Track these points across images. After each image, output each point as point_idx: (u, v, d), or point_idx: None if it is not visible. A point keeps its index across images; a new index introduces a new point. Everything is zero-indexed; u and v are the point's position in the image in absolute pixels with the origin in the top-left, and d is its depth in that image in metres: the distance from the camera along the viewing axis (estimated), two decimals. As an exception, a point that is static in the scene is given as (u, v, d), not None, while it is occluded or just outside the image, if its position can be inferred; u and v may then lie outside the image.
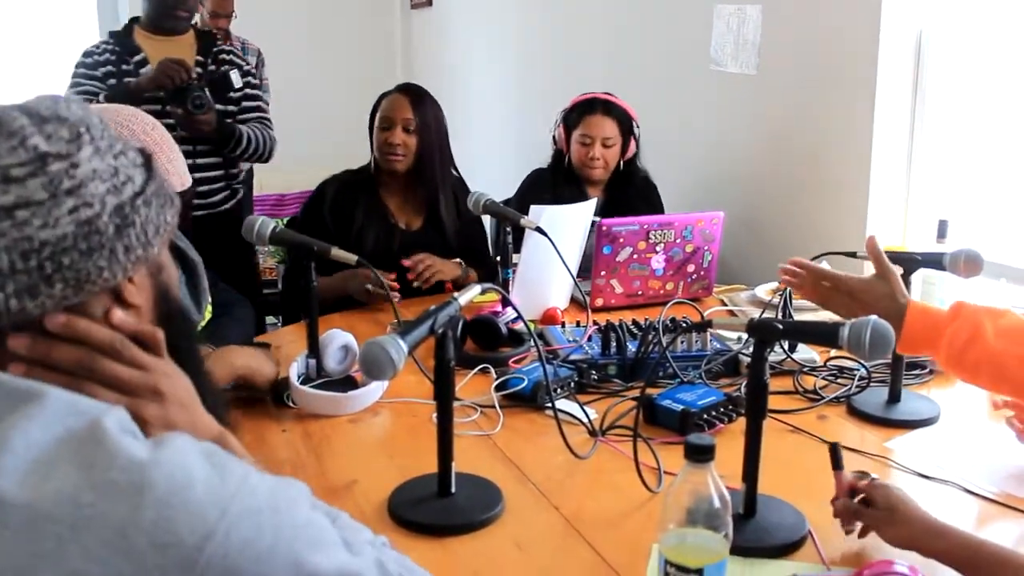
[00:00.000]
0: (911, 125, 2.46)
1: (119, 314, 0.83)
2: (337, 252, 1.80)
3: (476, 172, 3.73)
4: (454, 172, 2.70)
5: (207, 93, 2.74)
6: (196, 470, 0.72)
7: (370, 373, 1.22)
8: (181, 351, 0.91)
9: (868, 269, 2.46)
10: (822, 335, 1.24)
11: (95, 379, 0.82)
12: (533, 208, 2.21)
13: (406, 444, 1.65)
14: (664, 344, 1.84)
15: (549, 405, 1.75)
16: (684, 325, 1.81)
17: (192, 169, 1.94)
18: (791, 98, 2.71)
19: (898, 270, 1.69)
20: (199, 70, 2.86)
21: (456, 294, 1.37)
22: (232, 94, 2.92)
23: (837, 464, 1.29)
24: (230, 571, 0.69)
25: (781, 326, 1.22)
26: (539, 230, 2.12)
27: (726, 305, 2.42)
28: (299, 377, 1.77)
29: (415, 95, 2.60)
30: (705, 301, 2.46)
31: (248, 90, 2.99)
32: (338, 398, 1.74)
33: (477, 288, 1.44)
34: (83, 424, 0.73)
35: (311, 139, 3.86)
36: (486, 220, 3.14)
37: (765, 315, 2.07)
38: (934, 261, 1.65)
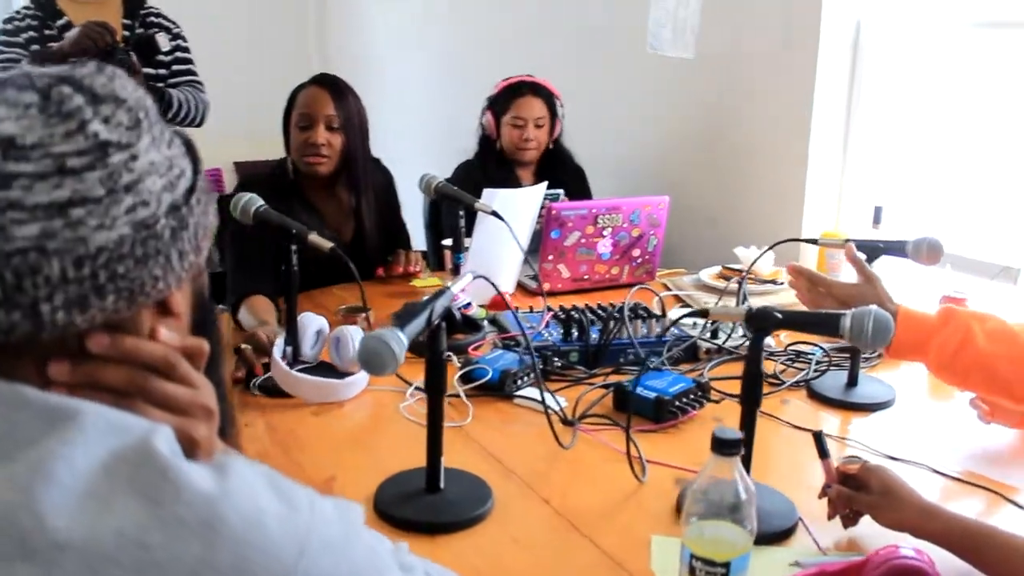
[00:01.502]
0: (847, 113, 2.53)
1: (165, 330, 0.74)
2: (314, 238, 1.73)
3: (397, 161, 3.65)
4: (372, 161, 2.58)
5: (132, 56, 2.62)
6: (265, 502, 0.65)
7: (371, 368, 1.17)
8: (212, 361, 0.82)
9: (804, 256, 2.54)
10: (823, 324, 1.25)
11: (146, 399, 0.72)
12: (486, 192, 2.17)
13: (378, 437, 1.61)
14: (630, 331, 1.84)
15: (519, 394, 1.74)
16: (646, 313, 1.80)
17: None
18: (729, 84, 2.75)
19: (861, 256, 1.74)
20: (126, 33, 2.73)
21: (449, 283, 1.33)
22: (161, 57, 2.80)
23: (824, 452, 1.30)
24: None
25: (780, 315, 1.22)
26: (495, 214, 2.08)
27: (670, 289, 2.44)
28: (286, 363, 1.71)
29: (336, 88, 2.40)
30: (649, 285, 2.48)
31: (178, 53, 2.88)
32: (335, 384, 1.69)
33: (468, 276, 1.40)
34: (131, 445, 0.65)
35: (216, 116, 3.70)
36: (418, 204, 3.10)
37: (720, 301, 2.10)
38: (897, 248, 1.69)
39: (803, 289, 1.60)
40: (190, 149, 0.77)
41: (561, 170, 2.89)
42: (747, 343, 1.92)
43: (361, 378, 1.74)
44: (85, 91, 0.69)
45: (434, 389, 1.30)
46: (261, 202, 1.81)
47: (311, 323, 1.78)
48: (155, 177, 0.70)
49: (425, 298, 1.28)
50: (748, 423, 1.27)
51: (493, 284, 1.50)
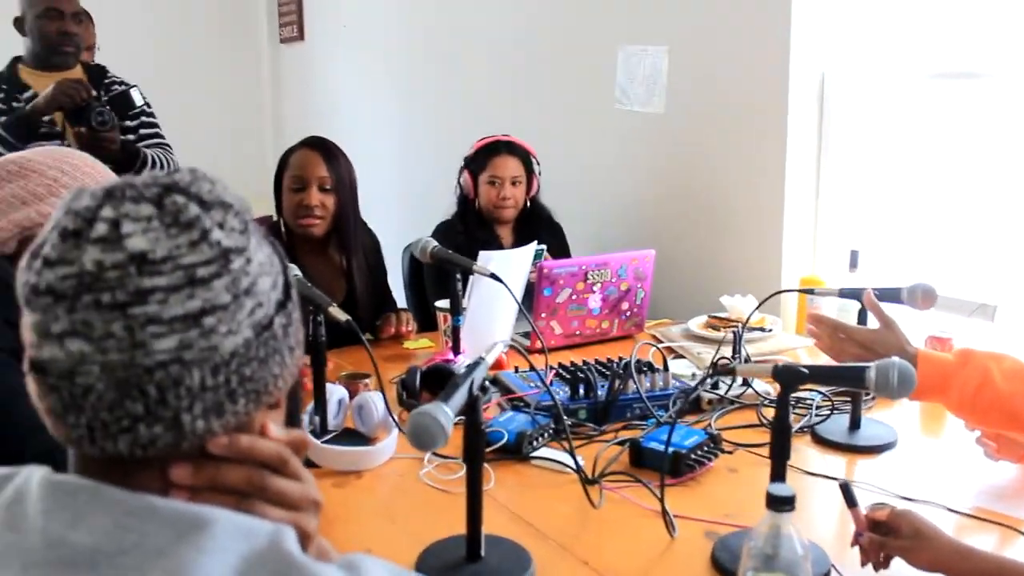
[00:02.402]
0: (817, 162, 2.63)
1: (273, 426, 0.75)
2: (333, 310, 1.75)
3: (372, 221, 3.67)
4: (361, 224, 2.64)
5: (109, 110, 2.66)
6: None
7: (421, 443, 1.19)
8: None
9: (785, 302, 2.62)
10: (848, 378, 1.30)
11: (264, 498, 0.73)
12: (482, 254, 2.21)
13: (404, 506, 1.61)
14: (637, 386, 1.88)
15: (537, 455, 1.76)
16: (649, 367, 1.85)
17: None
18: (700, 137, 2.84)
19: (855, 304, 1.81)
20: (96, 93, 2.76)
21: (483, 354, 1.36)
22: (133, 111, 2.84)
23: (852, 501, 1.33)
24: None
25: (807, 371, 1.27)
26: (494, 276, 2.12)
27: (661, 341, 2.49)
28: (313, 434, 1.74)
29: (327, 150, 2.48)
30: (638, 336, 2.53)
31: (144, 117, 2.93)
32: (367, 452, 1.72)
33: (500, 346, 1.43)
34: (261, 550, 0.66)
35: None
36: (398, 264, 3.13)
37: (710, 352, 2.16)
38: (891, 296, 1.77)
39: (824, 337, 1.64)
40: (273, 243, 0.78)
41: (539, 226, 2.94)
42: (747, 391, 2.00)
43: (389, 444, 1.76)
44: (194, 198, 0.70)
45: (474, 457, 1.32)
46: (297, 270, 1.84)
47: (333, 393, 1.81)
48: (265, 277, 0.72)
49: (463, 369, 1.31)
50: (777, 476, 1.31)
51: (522, 352, 1.54)
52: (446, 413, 1.20)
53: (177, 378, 0.66)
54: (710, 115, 2.78)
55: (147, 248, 0.66)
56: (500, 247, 2.79)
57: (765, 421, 1.90)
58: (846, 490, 1.34)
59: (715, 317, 2.47)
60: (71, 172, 1.49)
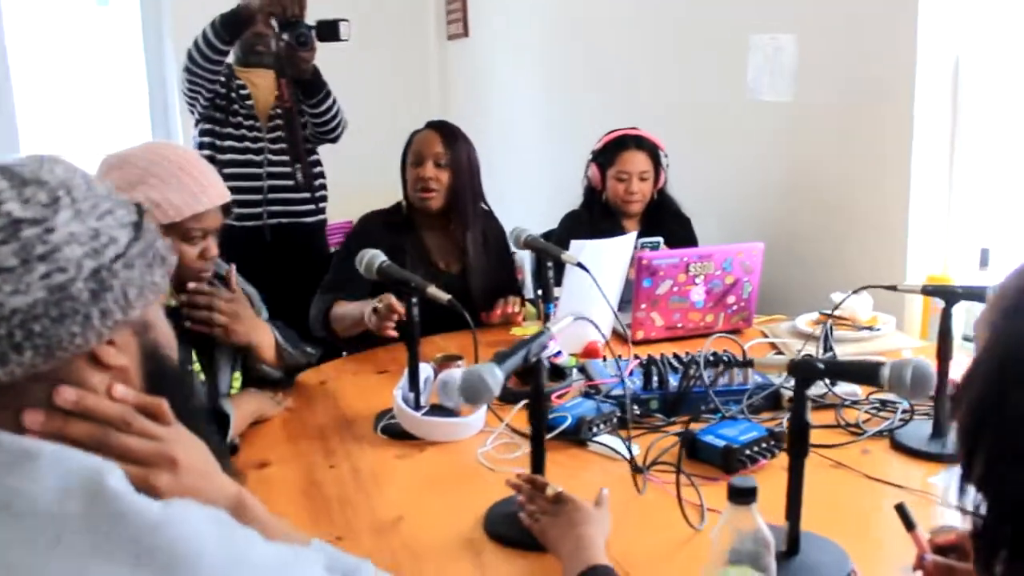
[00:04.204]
0: (950, 153, 2.46)
1: (120, 388, 0.84)
2: (432, 290, 1.88)
3: (510, 206, 3.78)
4: (484, 206, 2.74)
5: (312, 33, 2.91)
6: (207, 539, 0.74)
7: (469, 398, 1.30)
8: (178, 411, 0.90)
9: (909, 301, 2.47)
10: (863, 374, 1.25)
11: (109, 452, 0.81)
12: (574, 243, 2.24)
13: (452, 481, 1.68)
14: (707, 379, 1.85)
15: (595, 440, 1.79)
16: (725, 361, 1.82)
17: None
18: (828, 125, 2.72)
19: (940, 303, 1.70)
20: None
21: (549, 324, 1.42)
22: (337, 42, 2.98)
23: (910, 524, 1.25)
24: None
25: (822, 365, 1.23)
26: (580, 265, 2.14)
27: (767, 336, 2.42)
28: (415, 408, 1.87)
29: (446, 131, 2.64)
30: (746, 332, 2.48)
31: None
32: (456, 423, 1.85)
33: (569, 318, 1.50)
34: (81, 479, 0.75)
35: (345, 170, 3.90)
36: (526, 255, 3.20)
37: (806, 349, 2.08)
38: (976, 295, 1.65)
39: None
40: (139, 219, 0.87)
41: (667, 219, 2.92)
42: (831, 392, 1.92)
43: (477, 419, 1.87)
44: (13, 177, 0.80)
45: (537, 421, 1.42)
46: (384, 258, 2.00)
47: (421, 370, 1.92)
48: (75, 246, 0.79)
49: (526, 337, 1.39)
50: (794, 472, 1.28)
51: (594, 324, 1.59)
52: (495, 373, 1.28)
53: None
54: (838, 103, 2.66)
55: None
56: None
57: (843, 423, 1.83)
58: (902, 513, 1.26)
59: (825, 314, 2.37)
60: (159, 162, 1.67)
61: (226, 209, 1.80)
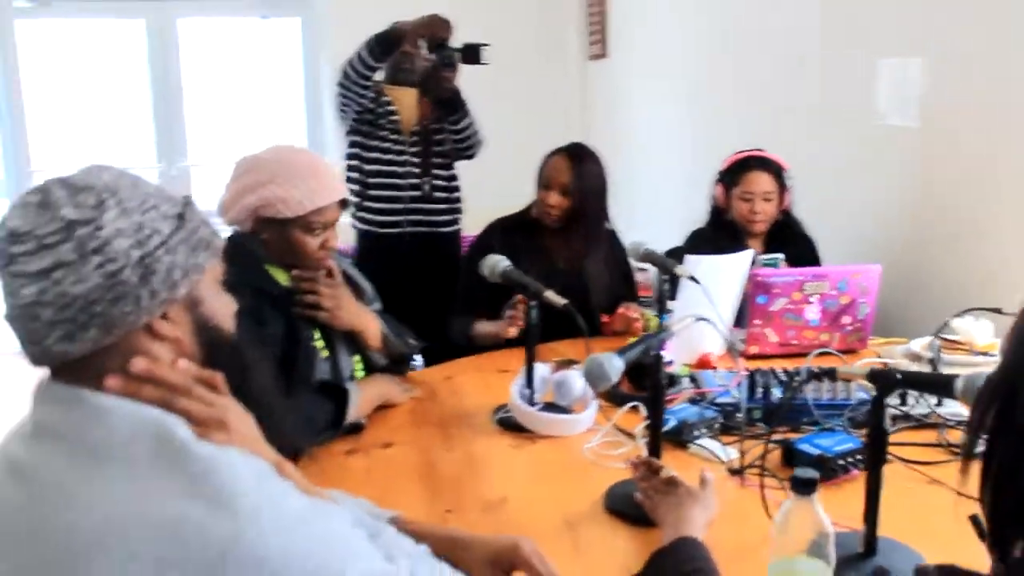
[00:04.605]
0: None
1: (183, 361, 1.01)
2: (549, 295, 2.03)
3: (643, 224, 3.89)
4: (607, 226, 2.85)
5: (458, 55, 3.17)
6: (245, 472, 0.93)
7: (591, 380, 1.49)
8: (232, 379, 1.06)
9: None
10: (937, 386, 1.31)
11: (174, 412, 0.98)
12: (690, 258, 2.34)
13: (558, 471, 1.82)
14: (807, 391, 1.92)
15: (696, 443, 1.89)
16: (815, 373, 1.89)
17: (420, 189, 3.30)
18: (955, 150, 2.71)
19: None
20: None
21: (671, 323, 1.56)
22: (477, 65, 3.23)
23: (983, 535, 1.30)
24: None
25: (900, 376, 1.30)
26: (692, 279, 2.24)
27: (880, 357, 2.45)
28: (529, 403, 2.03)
29: (576, 157, 2.72)
30: (860, 353, 2.50)
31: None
32: (568, 419, 2.00)
33: (690, 318, 1.64)
34: (148, 426, 0.95)
35: (487, 186, 4.09)
36: (654, 274, 3.31)
37: (912, 367, 2.11)
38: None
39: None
40: (183, 211, 1.02)
41: (791, 240, 2.96)
42: (937, 411, 1.96)
43: (588, 416, 2.01)
44: (68, 185, 0.96)
45: (655, 410, 1.59)
46: (507, 263, 2.17)
47: (538, 370, 2.08)
48: (121, 239, 0.95)
49: (649, 333, 1.54)
50: (872, 477, 1.35)
51: (714, 324, 1.73)
52: (614, 362, 1.47)
53: (34, 315, 0.94)
54: (965, 128, 2.65)
55: (17, 226, 0.95)
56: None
57: (946, 442, 1.86)
58: (977, 524, 1.31)
59: (941, 338, 2.38)
60: (286, 163, 1.90)
61: (343, 203, 1.98)
